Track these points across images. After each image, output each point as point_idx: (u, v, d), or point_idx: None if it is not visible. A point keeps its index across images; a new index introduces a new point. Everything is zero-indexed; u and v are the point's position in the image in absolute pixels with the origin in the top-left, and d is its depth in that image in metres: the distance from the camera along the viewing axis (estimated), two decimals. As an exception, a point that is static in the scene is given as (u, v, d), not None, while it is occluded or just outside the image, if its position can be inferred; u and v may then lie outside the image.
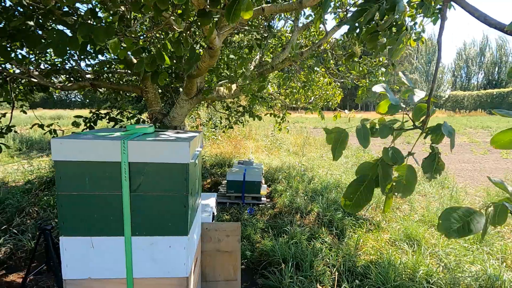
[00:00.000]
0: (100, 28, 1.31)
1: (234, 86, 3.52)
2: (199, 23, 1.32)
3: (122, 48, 2.14)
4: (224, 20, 1.62)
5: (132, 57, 3.00)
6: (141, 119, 3.50)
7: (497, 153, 9.26)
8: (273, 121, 6.12)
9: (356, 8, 3.06)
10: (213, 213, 2.85)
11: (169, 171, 1.17)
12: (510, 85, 52.61)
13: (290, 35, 5.23)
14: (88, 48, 3.65)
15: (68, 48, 1.35)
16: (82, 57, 4.58)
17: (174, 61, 2.65)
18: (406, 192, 1.14)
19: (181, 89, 3.70)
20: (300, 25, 4.18)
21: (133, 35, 1.55)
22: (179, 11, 2.65)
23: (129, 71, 4.33)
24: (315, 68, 4.79)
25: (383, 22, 1.63)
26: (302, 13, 4.18)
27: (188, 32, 1.81)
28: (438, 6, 2.44)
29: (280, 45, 4.60)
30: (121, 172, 1.14)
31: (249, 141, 8.99)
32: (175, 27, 2.07)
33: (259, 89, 3.10)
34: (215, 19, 1.39)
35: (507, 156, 8.65)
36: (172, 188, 1.19)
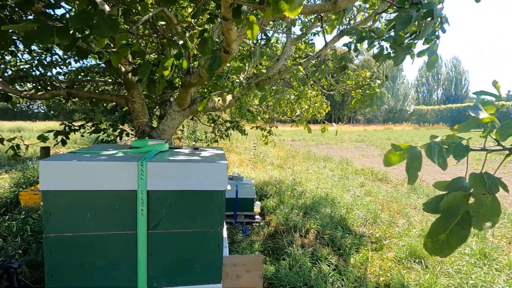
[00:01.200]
0: (103, 20, 1.04)
1: (229, 97, 3.30)
2: (232, 22, 1.09)
3: (113, 52, 1.84)
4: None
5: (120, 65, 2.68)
6: (125, 132, 3.14)
7: (468, 164, 9.74)
8: (253, 134, 5.93)
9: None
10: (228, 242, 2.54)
11: (201, 201, 0.91)
12: (466, 100, 57.40)
13: (278, 46, 5.15)
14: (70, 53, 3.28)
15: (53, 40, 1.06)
16: (54, 62, 4.14)
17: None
18: (490, 224, 0.97)
19: (171, 99, 3.41)
20: (293, 36, 4.10)
21: (140, 34, 1.29)
22: (186, 14, 2.39)
23: (109, 80, 3.96)
24: (307, 79, 4.71)
25: (422, 30, 1.51)
26: (298, 22, 4.11)
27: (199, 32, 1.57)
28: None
29: (272, 55, 4.48)
30: (137, 204, 0.85)
31: (232, 154, 8.71)
32: (178, 29, 1.82)
33: (261, 101, 2.90)
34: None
35: (477, 168, 9.11)
36: (203, 223, 0.92)
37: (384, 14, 3.72)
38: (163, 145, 1.11)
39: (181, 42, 1.20)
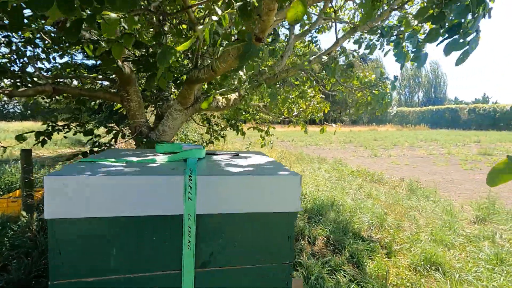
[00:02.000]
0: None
1: (233, 96, 3.06)
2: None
3: (114, 41, 1.58)
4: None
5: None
6: (121, 133, 2.83)
7: (456, 165, 9.93)
8: (246, 134, 5.68)
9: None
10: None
11: (265, 227, 0.68)
12: (445, 102, 59.66)
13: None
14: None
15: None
16: (35, 56, 3.79)
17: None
18: None
19: (170, 97, 3.14)
20: (297, 32, 3.92)
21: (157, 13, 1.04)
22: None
23: (99, 76, 3.63)
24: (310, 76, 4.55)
25: (473, 21, 1.35)
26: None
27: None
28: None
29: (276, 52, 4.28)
30: (183, 234, 0.62)
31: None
32: (191, 14, 1.58)
33: (272, 98, 2.70)
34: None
35: (466, 168, 9.26)
36: (267, 256, 0.69)
37: (393, 13, 3.61)
38: (201, 151, 0.85)
39: (215, 18, 0.97)
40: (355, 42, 3.18)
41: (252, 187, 0.66)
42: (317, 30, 4.13)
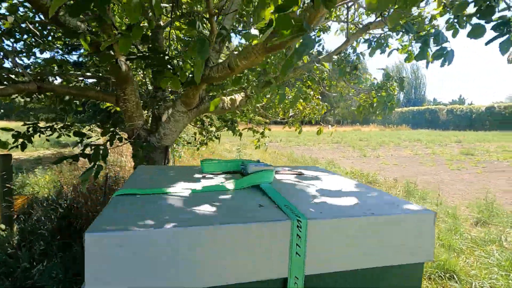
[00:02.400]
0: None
1: (239, 97, 2.86)
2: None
3: (121, 34, 1.34)
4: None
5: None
6: (120, 137, 2.54)
7: (443, 165, 10.15)
8: (229, 135, 5.49)
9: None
10: None
11: (385, 285, 0.49)
12: (425, 103, 61.81)
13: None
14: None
15: None
16: (14, 51, 3.45)
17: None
18: None
19: (172, 97, 2.88)
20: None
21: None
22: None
23: (87, 73, 3.32)
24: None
25: None
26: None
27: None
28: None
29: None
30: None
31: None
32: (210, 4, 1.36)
33: (280, 100, 2.52)
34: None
35: (452, 168, 9.47)
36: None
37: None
38: (271, 173, 0.63)
39: None
40: (364, 42, 3.05)
41: (374, 232, 0.47)
42: (318, 30, 3.99)
